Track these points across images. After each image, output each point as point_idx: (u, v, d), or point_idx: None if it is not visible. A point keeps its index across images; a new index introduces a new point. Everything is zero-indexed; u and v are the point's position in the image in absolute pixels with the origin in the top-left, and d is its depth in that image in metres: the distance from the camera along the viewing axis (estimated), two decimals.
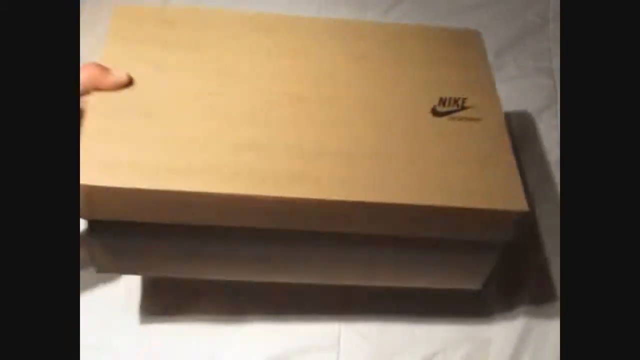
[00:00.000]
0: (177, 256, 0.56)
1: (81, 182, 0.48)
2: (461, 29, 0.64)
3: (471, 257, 0.56)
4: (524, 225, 0.70)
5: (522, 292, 0.66)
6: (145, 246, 0.55)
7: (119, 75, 0.54)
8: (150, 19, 0.60)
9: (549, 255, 0.69)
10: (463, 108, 0.56)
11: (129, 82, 0.54)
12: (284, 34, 0.60)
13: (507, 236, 0.53)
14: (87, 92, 0.53)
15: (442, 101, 0.57)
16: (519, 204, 0.51)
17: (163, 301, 0.64)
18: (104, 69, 0.54)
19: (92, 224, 0.53)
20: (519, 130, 0.78)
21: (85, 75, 0.53)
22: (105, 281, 0.64)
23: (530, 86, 0.82)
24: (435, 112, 0.56)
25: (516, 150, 0.56)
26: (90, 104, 0.54)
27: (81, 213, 0.51)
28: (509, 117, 0.79)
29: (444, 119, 0.55)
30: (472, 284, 0.58)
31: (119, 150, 0.51)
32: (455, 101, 0.57)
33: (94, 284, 0.64)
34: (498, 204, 0.51)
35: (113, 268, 0.58)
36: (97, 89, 0.54)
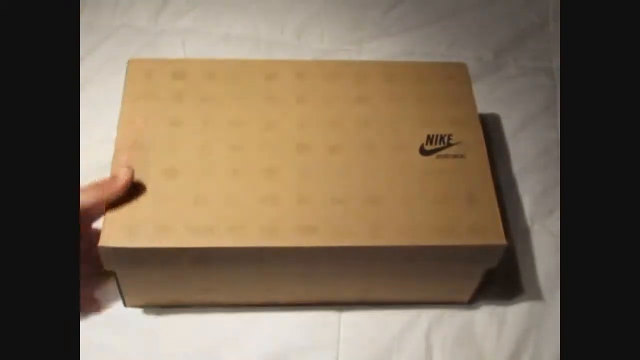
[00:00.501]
0: (196, 287, 0.61)
1: (103, 244, 0.53)
2: (447, 63, 0.68)
3: (458, 279, 0.62)
4: (524, 229, 0.71)
5: (521, 292, 0.66)
6: (166, 281, 0.60)
7: (122, 175, 0.54)
8: (163, 70, 0.63)
9: (549, 255, 0.69)
10: (449, 145, 0.61)
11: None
12: (288, 80, 0.64)
13: (491, 264, 0.59)
14: (101, 204, 0.54)
15: (430, 139, 0.61)
16: (499, 239, 0.56)
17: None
18: (108, 180, 0.54)
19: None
20: (519, 130, 0.78)
21: (91, 193, 0.53)
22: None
23: (530, 86, 0.82)
24: (423, 151, 0.60)
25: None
26: (112, 167, 0.57)
27: (105, 267, 0.55)
28: (508, 118, 0.79)
29: (432, 157, 0.60)
30: (461, 299, 0.65)
31: (141, 209, 0.55)
32: (442, 138, 0.61)
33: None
34: (481, 240, 0.56)
35: (139, 302, 0.62)
36: (110, 199, 0.54)
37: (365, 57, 0.84)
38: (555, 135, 0.78)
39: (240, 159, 0.58)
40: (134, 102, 0.61)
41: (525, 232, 0.70)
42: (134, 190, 0.56)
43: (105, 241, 0.53)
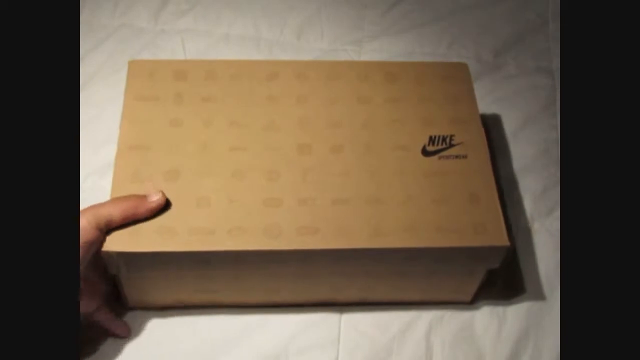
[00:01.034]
0: (199, 288, 0.61)
1: (107, 248, 0.53)
2: (448, 63, 0.69)
3: (460, 279, 0.62)
4: (524, 229, 0.71)
5: (521, 291, 0.66)
6: (169, 283, 0.59)
7: (155, 200, 0.54)
8: (163, 71, 0.63)
9: (548, 255, 0.69)
10: (451, 145, 0.61)
11: (166, 204, 0.55)
12: (289, 80, 0.64)
13: (493, 265, 0.59)
14: (127, 222, 0.54)
15: (432, 140, 0.61)
16: (501, 240, 0.56)
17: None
18: (140, 198, 0.54)
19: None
20: (519, 130, 0.78)
21: (122, 208, 0.53)
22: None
23: (530, 86, 0.82)
24: (425, 152, 0.60)
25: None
26: (115, 169, 0.57)
27: (109, 270, 0.55)
28: (509, 118, 0.79)
29: (434, 158, 0.60)
30: (463, 298, 0.65)
31: None
32: (444, 139, 0.61)
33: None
34: (483, 241, 0.56)
35: (142, 303, 0.62)
36: (136, 218, 0.54)
37: (365, 57, 0.84)
38: (555, 135, 0.78)
39: (241, 160, 0.58)
40: (135, 102, 0.61)
41: (526, 232, 0.70)
42: (138, 187, 0.56)
43: (109, 246, 0.53)
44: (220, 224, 0.55)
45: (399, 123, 0.62)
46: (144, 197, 0.54)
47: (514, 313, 0.65)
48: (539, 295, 0.66)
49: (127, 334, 0.61)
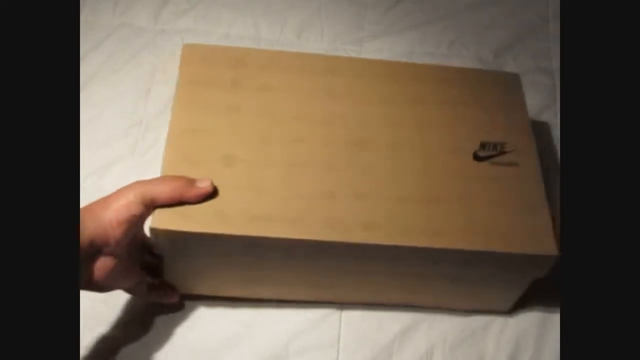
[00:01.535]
0: (243, 278, 0.61)
1: (156, 225, 0.52)
2: (501, 71, 0.70)
3: (506, 286, 0.62)
4: None
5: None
6: (212, 270, 0.59)
7: (204, 186, 0.54)
8: (218, 57, 0.63)
9: None
10: (502, 153, 0.61)
11: (214, 192, 0.54)
12: (346, 77, 0.64)
13: (540, 274, 0.59)
14: (172, 203, 0.53)
15: (483, 146, 0.61)
16: (551, 249, 0.56)
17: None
18: (190, 181, 0.53)
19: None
20: None
21: (171, 187, 0.53)
22: None
23: (530, 86, 0.82)
24: (476, 157, 0.61)
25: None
26: (167, 150, 0.56)
27: (155, 250, 0.56)
28: None
29: (485, 163, 0.60)
30: (502, 308, 0.65)
31: None
32: (495, 146, 0.61)
33: None
34: (534, 249, 0.56)
35: (180, 288, 0.62)
36: (182, 200, 0.53)
37: (365, 56, 0.84)
38: (555, 134, 0.78)
39: (299, 152, 0.58)
40: (189, 86, 0.60)
41: None
42: (191, 169, 0.55)
43: (158, 223, 0.52)
44: (278, 212, 0.54)
45: (452, 126, 0.62)
46: (193, 181, 0.54)
47: (514, 314, 0.65)
48: (539, 296, 0.66)
49: (176, 299, 0.61)
